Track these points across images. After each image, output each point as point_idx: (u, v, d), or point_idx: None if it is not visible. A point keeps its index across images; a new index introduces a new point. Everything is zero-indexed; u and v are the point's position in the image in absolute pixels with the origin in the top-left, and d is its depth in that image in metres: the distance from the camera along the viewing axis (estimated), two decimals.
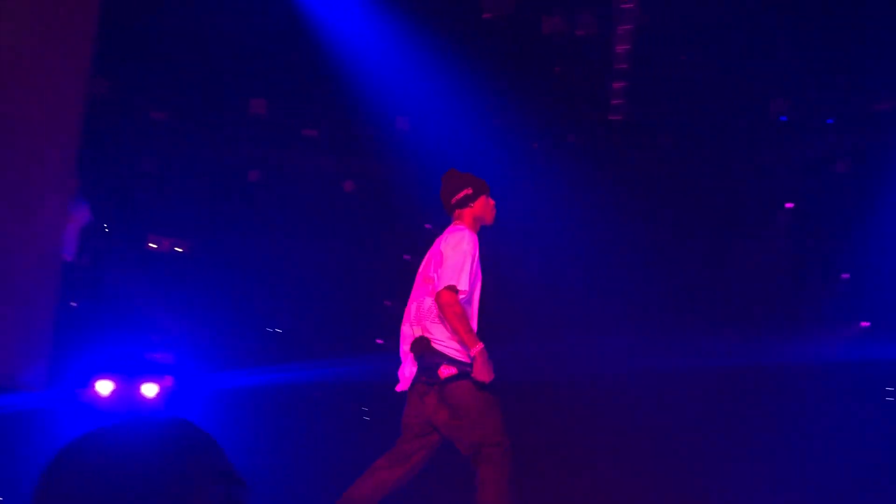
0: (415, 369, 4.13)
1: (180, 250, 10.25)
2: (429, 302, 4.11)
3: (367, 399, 10.71)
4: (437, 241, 4.37)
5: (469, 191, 4.36)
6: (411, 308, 4.24)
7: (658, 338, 9.66)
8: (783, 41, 8.82)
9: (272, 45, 8.80)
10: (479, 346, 3.94)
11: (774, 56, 9.10)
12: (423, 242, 10.88)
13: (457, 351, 4.01)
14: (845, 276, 10.57)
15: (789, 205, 10.21)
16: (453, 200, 4.39)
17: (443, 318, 3.96)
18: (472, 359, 3.94)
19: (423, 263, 4.40)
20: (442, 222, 10.57)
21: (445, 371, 4.00)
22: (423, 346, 4.04)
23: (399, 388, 4.26)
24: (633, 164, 10.12)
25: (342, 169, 10.27)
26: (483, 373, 3.92)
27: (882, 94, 9.27)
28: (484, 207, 4.37)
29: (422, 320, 4.12)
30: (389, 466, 4.11)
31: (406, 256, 11.14)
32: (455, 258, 4.01)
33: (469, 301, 4.08)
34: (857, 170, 9.75)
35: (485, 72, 8.98)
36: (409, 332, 4.19)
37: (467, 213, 4.35)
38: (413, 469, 4.13)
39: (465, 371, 3.97)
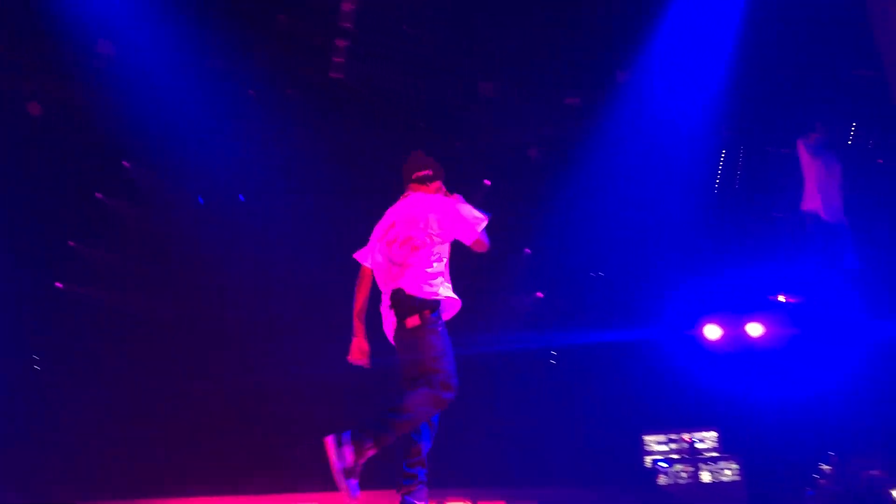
0: (394, 321, 4.49)
1: None
2: (403, 260, 4.50)
3: None
4: (398, 207, 4.72)
5: (430, 172, 4.81)
6: (381, 274, 4.61)
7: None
8: (496, 29, 9.39)
9: None
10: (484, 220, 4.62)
11: (487, 43, 9.65)
12: (118, 182, 10.21)
13: (426, 293, 4.42)
14: (527, 251, 11.70)
15: (487, 182, 10.96)
16: (414, 176, 4.80)
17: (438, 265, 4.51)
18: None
19: (385, 229, 4.68)
20: (150, 165, 9.96)
21: (411, 322, 4.37)
22: (398, 296, 4.44)
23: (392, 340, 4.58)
24: (346, 125, 10.20)
25: (28, 89, 9.07)
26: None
27: (571, 89, 10.25)
28: (437, 191, 4.79)
29: (395, 279, 4.48)
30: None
31: (98, 195, 10.25)
32: (464, 212, 4.58)
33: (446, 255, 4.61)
34: (548, 156, 10.73)
35: (207, 9, 8.45)
36: (386, 291, 4.56)
37: (422, 189, 4.77)
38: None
39: (427, 319, 4.37)
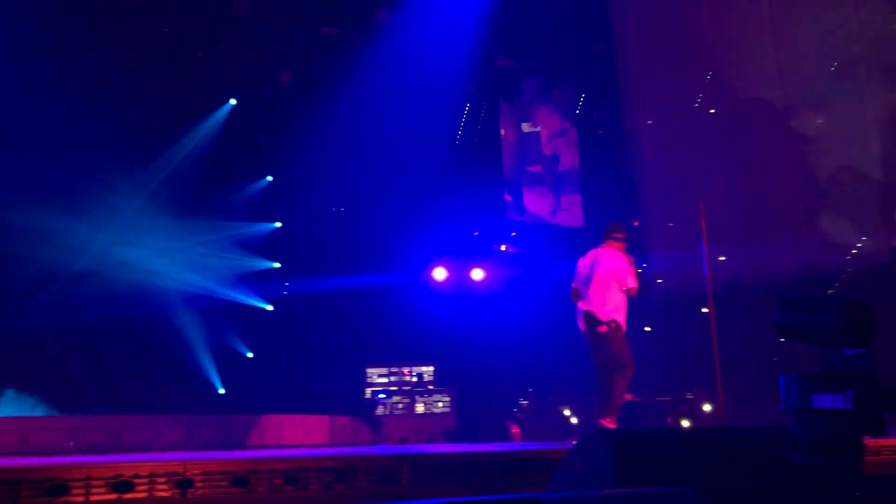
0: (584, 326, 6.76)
1: None
2: (594, 290, 6.72)
3: None
4: (593, 254, 6.87)
5: (622, 235, 6.93)
6: (582, 294, 6.83)
7: None
8: None
9: None
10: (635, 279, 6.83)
11: None
12: None
13: (606, 315, 6.61)
14: (269, 179, 11.47)
15: (233, 100, 10.53)
16: (613, 235, 6.89)
17: (616, 295, 6.71)
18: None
19: (582, 266, 6.88)
20: None
21: (602, 329, 6.58)
22: (590, 316, 6.67)
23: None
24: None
25: None
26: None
27: (331, 19, 10.10)
28: (620, 248, 6.87)
29: (588, 302, 6.70)
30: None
31: None
32: (624, 267, 6.71)
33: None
34: (299, 81, 10.52)
35: None
36: (581, 307, 6.80)
37: (615, 245, 6.84)
38: None
39: (611, 328, 6.60)
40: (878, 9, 8.93)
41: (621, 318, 6.67)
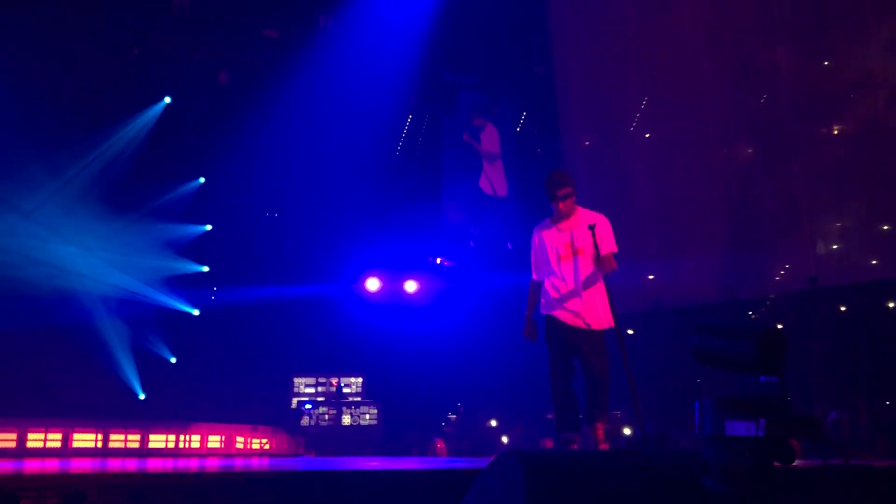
0: None
1: None
2: None
3: None
4: None
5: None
6: None
7: None
8: None
9: None
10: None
11: None
12: None
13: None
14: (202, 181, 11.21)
15: (168, 98, 10.29)
16: None
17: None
18: None
19: None
20: None
21: None
22: None
23: None
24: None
25: None
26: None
27: (272, 21, 9.99)
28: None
29: None
30: None
31: None
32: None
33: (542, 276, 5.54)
34: (238, 82, 10.34)
35: None
36: None
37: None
38: None
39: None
40: (808, 45, 9.23)
41: (546, 311, 5.46)
